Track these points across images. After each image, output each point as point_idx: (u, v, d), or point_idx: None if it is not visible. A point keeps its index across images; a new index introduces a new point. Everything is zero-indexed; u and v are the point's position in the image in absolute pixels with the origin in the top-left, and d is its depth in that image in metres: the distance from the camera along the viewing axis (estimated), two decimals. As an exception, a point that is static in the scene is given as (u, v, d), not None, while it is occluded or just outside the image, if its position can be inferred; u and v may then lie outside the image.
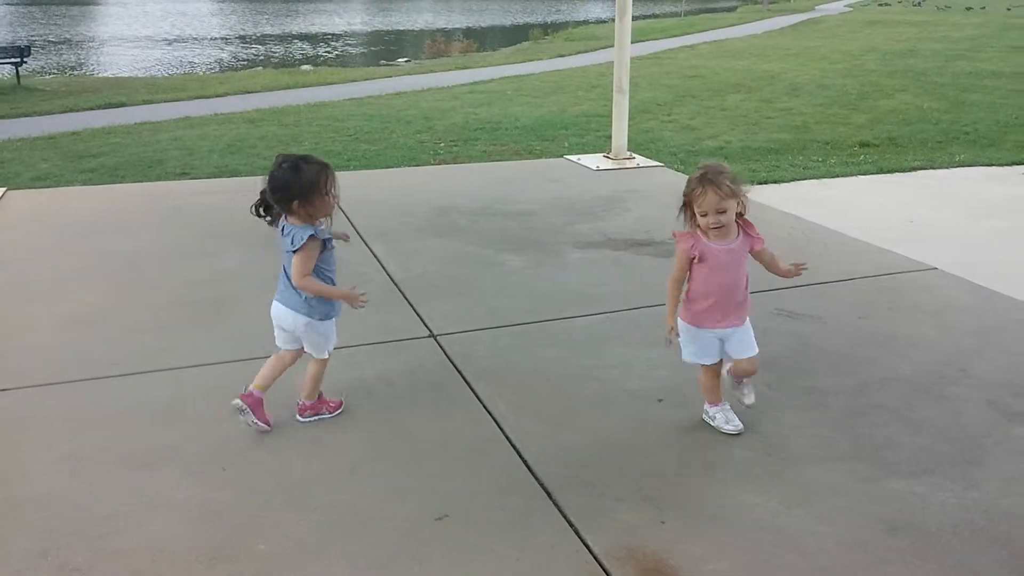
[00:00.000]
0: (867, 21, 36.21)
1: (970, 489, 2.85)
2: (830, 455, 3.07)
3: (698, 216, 3.00)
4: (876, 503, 2.79)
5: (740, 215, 3.01)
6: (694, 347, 3.16)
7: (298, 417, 3.26)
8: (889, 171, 9.01)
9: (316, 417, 3.27)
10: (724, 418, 3.24)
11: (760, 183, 8.39)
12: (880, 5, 52.48)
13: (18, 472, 2.92)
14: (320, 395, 3.31)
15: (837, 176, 8.78)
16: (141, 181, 8.05)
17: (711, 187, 2.93)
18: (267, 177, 3.03)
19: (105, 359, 3.77)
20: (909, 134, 11.11)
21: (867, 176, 8.82)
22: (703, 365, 3.20)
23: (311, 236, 2.98)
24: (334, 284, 3.18)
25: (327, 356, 3.24)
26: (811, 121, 12.13)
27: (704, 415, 3.29)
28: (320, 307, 3.14)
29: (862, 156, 9.76)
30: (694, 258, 3.02)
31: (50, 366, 3.69)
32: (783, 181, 8.53)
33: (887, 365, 3.79)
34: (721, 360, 3.20)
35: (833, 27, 33.19)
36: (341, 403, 3.37)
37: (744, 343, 3.13)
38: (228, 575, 2.44)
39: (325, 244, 3.06)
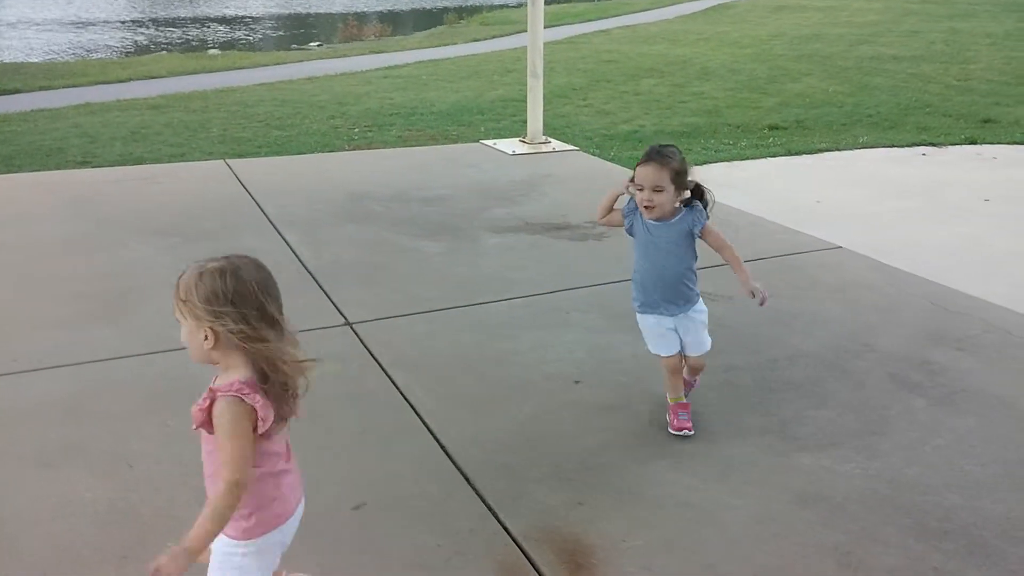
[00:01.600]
0: (775, 6, 37.17)
1: (874, 460, 2.97)
2: (743, 431, 3.16)
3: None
4: (787, 476, 2.88)
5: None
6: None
7: None
8: (797, 153, 9.30)
9: None
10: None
11: (674, 166, 8.55)
12: (787, -8, 53.88)
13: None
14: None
15: (748, 159, 9.01)
16: (39, 170, 7.66)
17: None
18: None
19: (4, 355, 3.59)
20: (815, 117, 11.47)
21: (776, 158, 9.09)
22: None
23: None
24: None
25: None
26: (722, 105, 12.40)
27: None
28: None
29: (771, 139, 10.03)
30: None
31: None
32: (696, 164, 8.68)
33: (794, 343, 3.91)
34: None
35: (743, 12, 33.97)
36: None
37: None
38: (137, 573, 2.36)
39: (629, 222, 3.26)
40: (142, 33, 29.88)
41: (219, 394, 1.80)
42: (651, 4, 39.56)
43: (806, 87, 14.10)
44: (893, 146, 9.71)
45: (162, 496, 2.70)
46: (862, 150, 9.49)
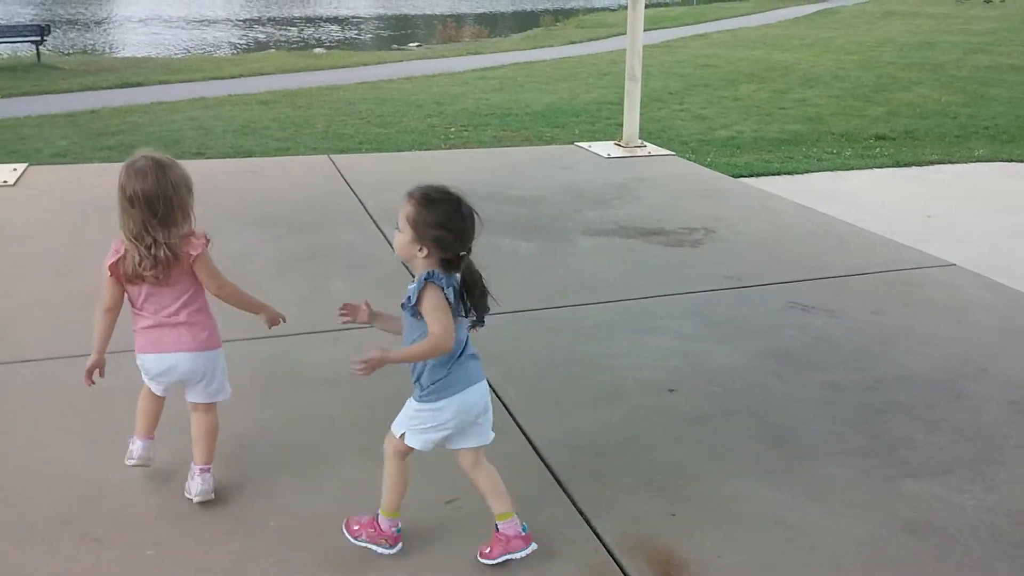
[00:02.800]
0: (884, 12, 35.88)
1: (990, 492, 2.81)
2: (844, 451, 3.04)
3: None
4: (893, 502, 2.75)
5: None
6: None
7: None
8: (906, 164, 8.96)
9: None
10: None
11: (773, 174, 8.35)
12: (897, -3, 51.96)
13: (37, 442, 2.93)
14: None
15: (852, 169, 8.73)
16: (155, 160, 8.03)
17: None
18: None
19: (120, 334, 3.75)
20: (926, 128, 11.02)
21: (883, 169, 8.78)
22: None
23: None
24: None
25: None
26: (826, 113, 12.04)
27: None
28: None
29: (878, 149, 9.68)
30: None
31: (71, 340, 3.66)
32: (797, 172, 8.49)
33: (903, 362, 3.74)
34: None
35: (849, 17, 32.91)
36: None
37: None
38: (241, 549, 2.44)
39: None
40: (256, 31, 30.97)
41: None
42: (753, 8, 38.75)
43: (916, 96, 13.57)
44: (1011, 160, 9.24)
45: (265, 476, 2.77)
46: (977, 164, 9.07)
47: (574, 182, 6.65)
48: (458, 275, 2.31)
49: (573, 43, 23.08)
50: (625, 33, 7.86)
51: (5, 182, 5.98)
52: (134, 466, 2.71)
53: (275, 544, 2.47)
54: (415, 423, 2.35)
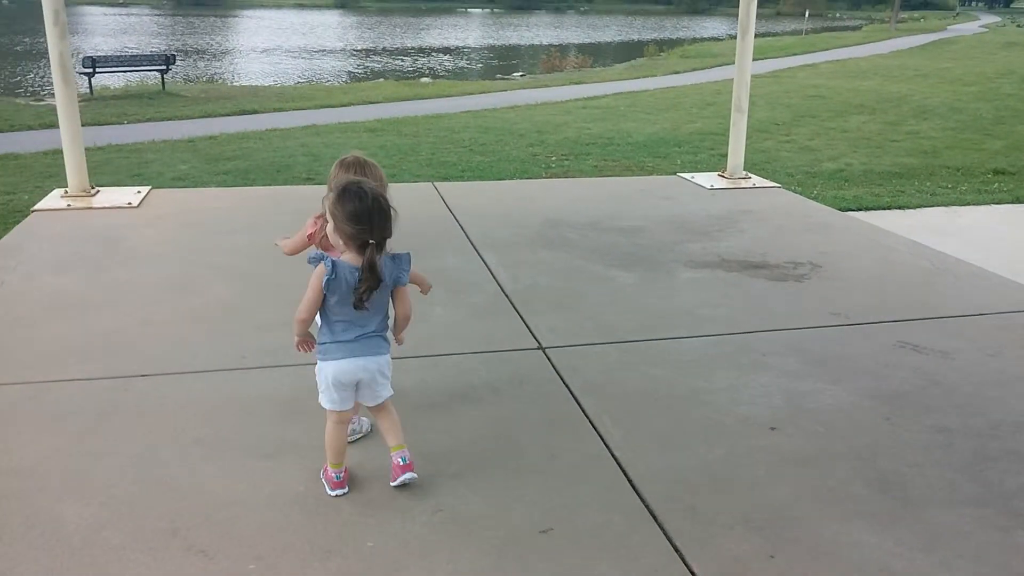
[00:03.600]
0: (1004, 43, 34.33)
1: (1114, 547, 2.65)
2: (956, 499, 2.91)
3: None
4: (1007, 554, 2.62)
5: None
6: None
7: None
8: (1027, 201, 8.54)
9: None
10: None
11: (883, 208, 8.09)
12: (1018, 26, 49.67)
13: (151, 455, 3.10)
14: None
15: (968, 204, 8.38)
16: (270, 184, 8.42)
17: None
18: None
19: (234, 352, 3.96)
20: (1050, 163, 10.48)
21: (1001, 205, 8.39)
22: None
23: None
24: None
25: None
26: (941, 146, 11.60)
27: None
28: None
29: (996, 184, 9.26)
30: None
31: (185, 356, 3.90)
32: (909, 207, 8.20)
33: (1021, 408, 3.57)
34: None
35: (967, 48, 31.63)
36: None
37: None
38: (339, 569, 2.52)
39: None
40: (367, 61, 32.08)
41: None
42: (864, 39, 37.72)
43: (1040, 129, 12.93)
44: None
45: (364, 496, 2.86)
46: (1107, 201, 8.57)
47: (676, 213, 6.62)
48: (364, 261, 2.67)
49: (677, 73, 22.98)
50: (730, 63, 7.82)
51: (130, 204, 6.38)
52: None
53: (373, 566, 2.54)
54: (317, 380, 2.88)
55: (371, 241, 2.65)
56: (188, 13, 64.08)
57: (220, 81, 24.10)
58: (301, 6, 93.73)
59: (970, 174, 9.79)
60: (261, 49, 36.18)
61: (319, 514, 2.76)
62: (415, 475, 2.90)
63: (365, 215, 2.63)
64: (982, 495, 2.94)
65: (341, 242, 2.73)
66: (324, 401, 2.87)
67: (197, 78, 24.92)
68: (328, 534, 2.67)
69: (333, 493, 2.87)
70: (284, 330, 4.19)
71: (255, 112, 14.21)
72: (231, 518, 2.73)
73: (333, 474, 2.89)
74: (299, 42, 40.21)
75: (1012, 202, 8.48)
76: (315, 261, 2.75)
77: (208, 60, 31.81)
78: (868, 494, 2.94)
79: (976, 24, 52.72)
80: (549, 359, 3.98)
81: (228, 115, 13.85)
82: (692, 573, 2.52)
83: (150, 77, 21.28)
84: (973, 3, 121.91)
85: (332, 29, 51.46)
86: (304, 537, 2.65)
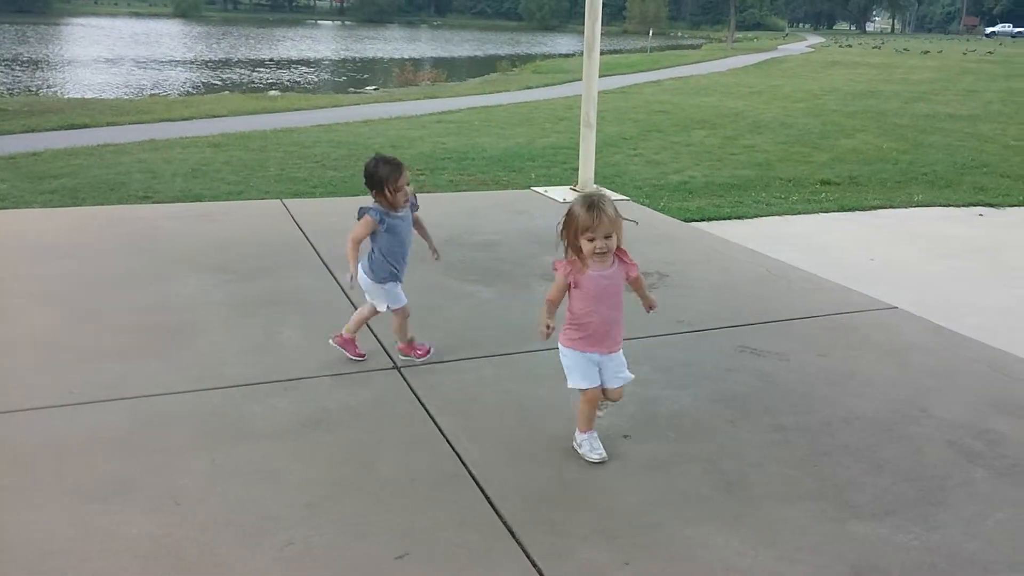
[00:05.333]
0: (828, 62, 37.12)
1: (932, 532, 2.86)
2: (795, 494, 3.07)
3: (584, 241, 3.06)
4: (841, 544, 2.78)
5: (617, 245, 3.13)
6: (578, 373, 3.20)
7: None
8: (850, 209, 9.20)
9: (406, 358, 4.10)
10: (590, 446, 3.28)
11: (724, 218, 8.51)
12: (841, 47, 53.89)
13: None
14: (411, 340, 4.10)
15: (799, 213, 8.93)
16: (103, 204, 7.90)
17: (601, 213, 3.04)
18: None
19: (61, 387, 3.67)
20: (869, 173, 11.35)
21: (828, 214, 9.00)
22: (582, 390, 3.22)
23: (364, 211, 3.84)
24: (400, 261, 3.99)
25: (385, 309, 4.02)
26: (774, 158, 12.34)
27: (573, 442, 3.33)
28: (377, 272, 3.94)
29: (824, 194, 9.94)
30: (571, 284, 3.13)
31: (2, 393, 3.57)
32: (747, 217, 8.65)
33: (849, 404, 3.81)
34: (602, 388, 3.25)
35: (795, 67, 33.97)
36: (429, 350, 4.13)
37: (617, 371, 3.25)
38: (179, 616, 2.36)
39: (383, 222, 3.84)
40: (213, 73, 30.87)
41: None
42: (704, 57, 39.80)
43: (860, 143, 13.99)
44: (949, 205, 9.56)
45: (207, 535, 2.70)
46: (917, 208, 9.36)
47: (531, 226, 6.70)
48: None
49: (530, 88, 23.41)
50: (581, 80, 8.01)
51: (-55, 227, 5.84)
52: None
53: (220, 602, 2.40)
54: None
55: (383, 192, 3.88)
56: (13, 20, 59.59)
57: (46, 93, 22.52)
58: (137, 15, 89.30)
59: (800, 185, 10.47)
60: (92, 60, 34.09)
61: (157, 558, 2.58)
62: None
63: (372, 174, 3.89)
64: (818, 489, 3.11)
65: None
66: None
67: (19, 90, 23.18)
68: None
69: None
70: (117, 362, 3.95)
71: (86, 126, 13.31)
72: (55, 568, 2.52)
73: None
74: (139, 53, 38.24)
75: (837, 210, 9.12)
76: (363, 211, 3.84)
77: (31, 71, 29.65)
78: (715, 495, 3.06)
79: (804, 44, 56.77)
80: (405, 379, 3.92)
81: (55, 129, 12.91)
82: (550, 587, 2.53)
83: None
84: (800, 24, 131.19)
85: (171, 39, 49.26)
86: (142, 583, 2.47)
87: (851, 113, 18.15)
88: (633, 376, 3.30)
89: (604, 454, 3.25)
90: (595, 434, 3.31)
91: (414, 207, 4.01)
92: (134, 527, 2.72)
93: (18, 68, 29.93)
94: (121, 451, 3.18)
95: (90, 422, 3.39)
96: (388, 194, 3.80)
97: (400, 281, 4.01)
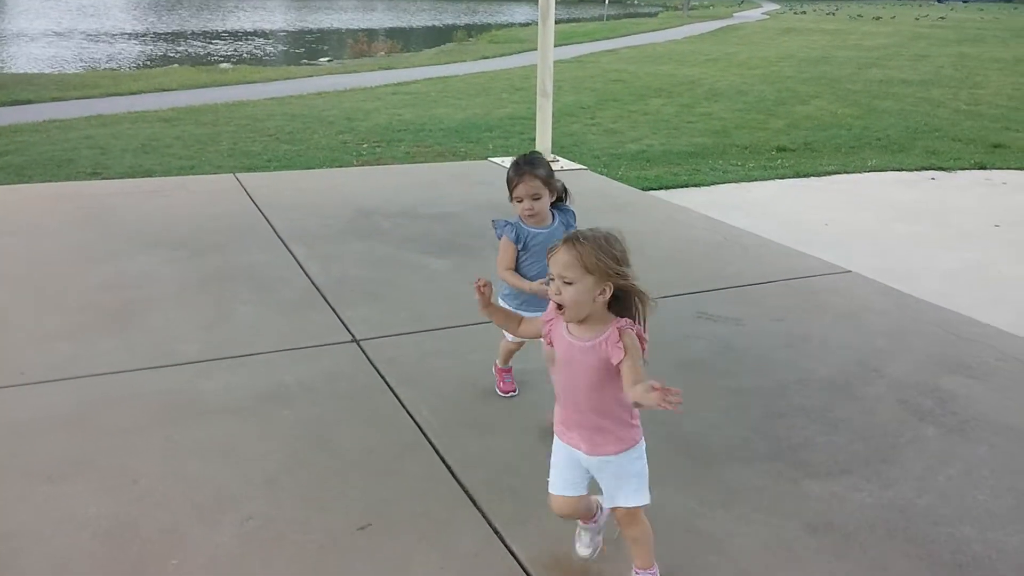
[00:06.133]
0: (783, 28, 37.32)
1: (886, 489, 2.93)
2: (752, 456, 3.12)
3: (515, 203, 3.08)
4: (797, 503, 2.84)
5: (632, 319, 2.28)
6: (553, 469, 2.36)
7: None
8: (805, 175, 9.30)
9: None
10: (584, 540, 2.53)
11: (681, 186, 8.55)
12: (796, 13, 54.20)
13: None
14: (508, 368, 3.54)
15: (755, 180, 9.00)
16: (50, 181, 7.70)
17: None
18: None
19: (11, 367, 3.58)
20: (824, 139, 11.47)
21: (784, 180, 9.09)
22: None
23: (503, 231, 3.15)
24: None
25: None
26: (730, 126, 12.41)
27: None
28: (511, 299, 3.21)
29: (779, 160, 10.03)
30: (548, 341, 2.35)
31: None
32: (704, 184, 8.71)
33: (804, 366, 3.88)
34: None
35: (751, 34, 34.10)
36: (513, 389, 3.54)
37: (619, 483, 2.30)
38: (138, 595, 2.34)
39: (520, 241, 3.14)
40: (161, 46, 30.08)
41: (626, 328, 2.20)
42: (660, 25, 39.75)
43: (814, 109, 14.13)
44: (902, 169, 9.71)
45: (165, 512, 2.67)
46: (871, 173, 9.49)
47: (489, 197, 6.66)
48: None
49: (486, 58, 23.19)
50: (537, 50, 7.95)
51: None
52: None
53: (180, 580, 2.38)
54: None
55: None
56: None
57: (-9, 68, 21.77)
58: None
59: (757, 152, 10.55)
60: (34, 34, 32.98)
61: (114, 536, 2.55)
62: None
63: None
64: (773, 449, 3.17)
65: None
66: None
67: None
68: (125, 558, 2.47)
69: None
70: (67, 341, 3.86)
71: (30, 102, 12.90)
72: (13, 550, 2.47)
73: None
74: (84, 25, 37.08)
75: (793, 176, 9.21)
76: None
77: (-27, 45, 28.61)
78: (675, 458, 3.10)
79: (759, 11, 56.88)
80: (364, 352, 3.89)
81: (-1, 106, 12.53)
82: (511, 553, 2.55)
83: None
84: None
85: (116, 11, 47.80)
86: (98, 564, 2.44)
87: (806, 79, 18.29)
88: (648, 501, 2.34)
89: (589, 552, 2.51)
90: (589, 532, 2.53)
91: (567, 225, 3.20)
92: (92, 506, 2.68)
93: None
94: (75, 431, 3.13)
95: (42, 402, 3.32)
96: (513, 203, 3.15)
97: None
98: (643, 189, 7.89)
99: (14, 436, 3.09)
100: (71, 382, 3.49)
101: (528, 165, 3.08)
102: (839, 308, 4.61)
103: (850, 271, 5.22)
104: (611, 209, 6.46)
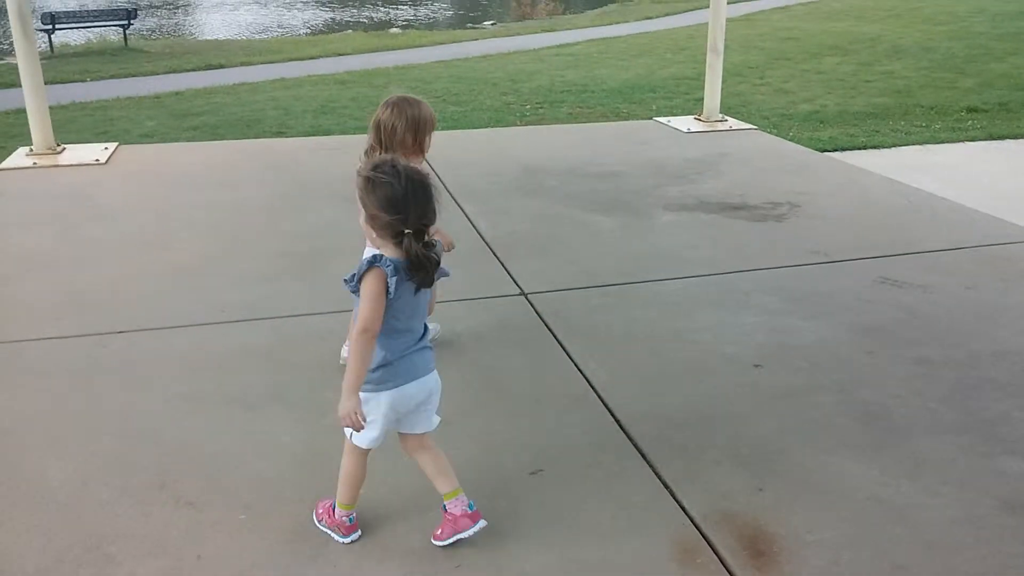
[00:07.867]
0: (977, -19, 34.21)
1: (1094, 469, 2.71)
2: (939, 428, 2.95)
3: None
4: (990, 479, 2.67)
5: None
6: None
7: None
8: (999, 137, 8.58)
9: None
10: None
11: (859, 148, 8.10)
12: (991, -36, 49.50)
13: (135, 409, 3.06)
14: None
15: (943, 142, 8.40)
16: (240, 139, 8.26)
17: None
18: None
19: (213, 306, 3.90)
20: (1021, 99, 10.50)
21: (975, 143, 8.43)
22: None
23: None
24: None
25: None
26: (914, 85, 11.59)
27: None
28: None
29: (970, 122, 9.28)
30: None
31: (162, 312, 3.83)
32: (884, 146, 8.21)
33: (998, 338, 3.61)
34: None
35: (939, -13, 31.46)
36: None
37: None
38: (330, 517, 2.50)
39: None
40: (335, 12, 31.32)
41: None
42: (836, -21, 37.34)
43: (1011, 67, 12.93)
44: (1113, 132, 8.77)
45: (351, 445, 2.84)
46: (1077, 136, 8.63)
47: (654, 157, 6.57)
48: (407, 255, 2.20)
49: (649, 18, 22.72)
50: (702, 8, 7.71)
51: (97, 160, 6.23)
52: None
53: (364, 509, 2.53)
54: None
55: (406, 231, 2.19)
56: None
57: (184, 36, 23.49)
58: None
59: (944, 112, 9.81)
60: (222, 2, 35.19)
61: (308, 463, 2.74)
62: (485, 522, 2.37)
63: (400, 200, 2.19)
64: (964, 423, 2.98)
65: (375, 234, 2.29)
66: (363, 440, 2.32)
67: (159, 33, 24.26)
68: (316, 484, 2.64)
69: (347, 540, 2.38)
70: (262, 284, 4.16)
71: (221, 67, 13.86)
72: (219, 470, 2.71)
73: (345, 517, 2.40)
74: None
75: (985, 139, 8.52)
76: (371, 265, 2.21)
77: (169, 15, 30.96)
78: (852, 425, 2.98)
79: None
80: (532, 304, 3.96)
81: (194, 70, 13.51)
82: (682, 508, 2.54)
83: (111, 33, 20.68)
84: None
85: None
86: (292, 487, 2.63)
87: (1001, 36, 16.74)
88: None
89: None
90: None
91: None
92: (286, 434, 2.90)
93: (156, 13, 31.29)
94: (269, 365, 3.37)
95: (241, 338, 3.60)
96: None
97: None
98: (817, 151, 7.53)
99: (217, 368, 3.37)
100: (266, 321, 3.76)
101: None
102: (1041, 279, 4.25)
103: (1054, 240, 4.78)
104: (783, 170, 6.21)
